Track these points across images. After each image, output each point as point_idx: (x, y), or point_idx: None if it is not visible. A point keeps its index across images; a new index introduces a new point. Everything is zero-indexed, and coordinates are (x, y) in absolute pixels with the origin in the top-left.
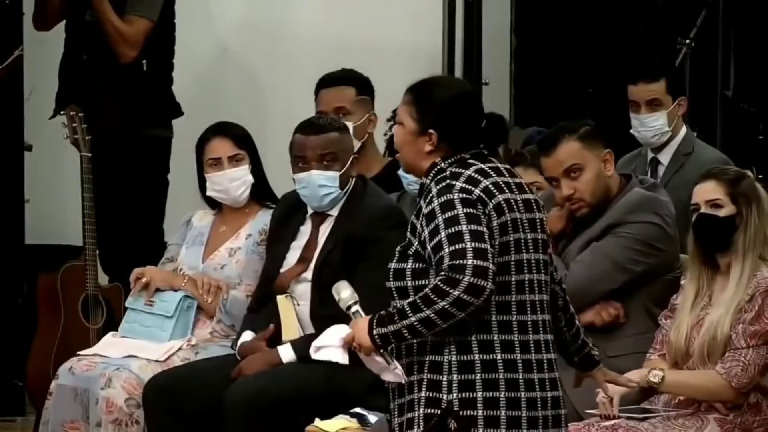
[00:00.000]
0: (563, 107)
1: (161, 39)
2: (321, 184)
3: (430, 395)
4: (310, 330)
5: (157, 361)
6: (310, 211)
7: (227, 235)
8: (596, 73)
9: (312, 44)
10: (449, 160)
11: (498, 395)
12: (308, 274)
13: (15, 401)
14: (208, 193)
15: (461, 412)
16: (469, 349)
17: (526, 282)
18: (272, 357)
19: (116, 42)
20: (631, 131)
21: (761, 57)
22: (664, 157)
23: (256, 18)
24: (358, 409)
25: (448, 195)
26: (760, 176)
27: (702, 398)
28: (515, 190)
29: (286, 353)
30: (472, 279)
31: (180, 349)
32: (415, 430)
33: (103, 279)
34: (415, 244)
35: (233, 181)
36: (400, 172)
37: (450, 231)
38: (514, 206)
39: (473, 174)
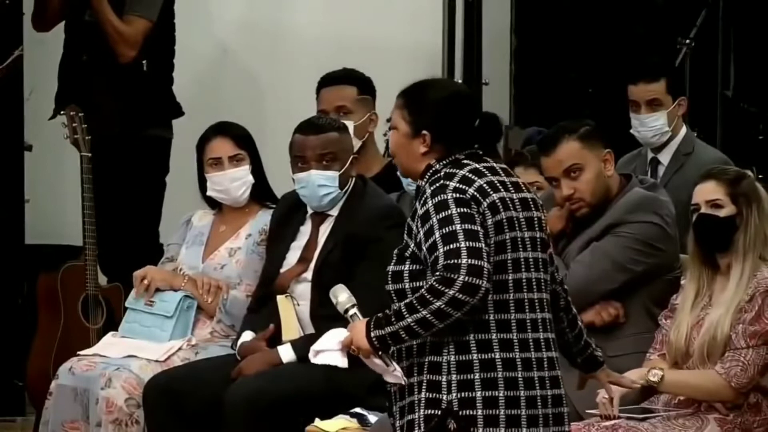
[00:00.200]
0: (563, 107)
1: (161, 39)
2: (320, 184)
3: (430, 396)
4: (310, 330)
5: (157, 361)
6: (310, 211)
7: (227, 235)
8: (596, 73)
9: (312, 44)
10: (444, 162)
11: (497, 394)
12: (308, 275)
13: (15, 401)
14: (209, 193)
15: (461, 412)
16: (468, 349)
17: (524, 280)
18: (272, 357)
19: (115, 42)
20: (631, 131)
21: (761, 57)
22: (664, 157)
23: (256, 18)
24: (358, 409)
25: (441, 195)
26: (760, 176)
27: (702, 398)
28: (511, 188)
29: (286, 353)
30: (466, 278)
31: (180, 349)
32: (416, 431)
33: (103, 279)
34: (412, 245)
35: (233, 181)
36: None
37: (444, 231)
38: (510, 205)
39: (467, 174)
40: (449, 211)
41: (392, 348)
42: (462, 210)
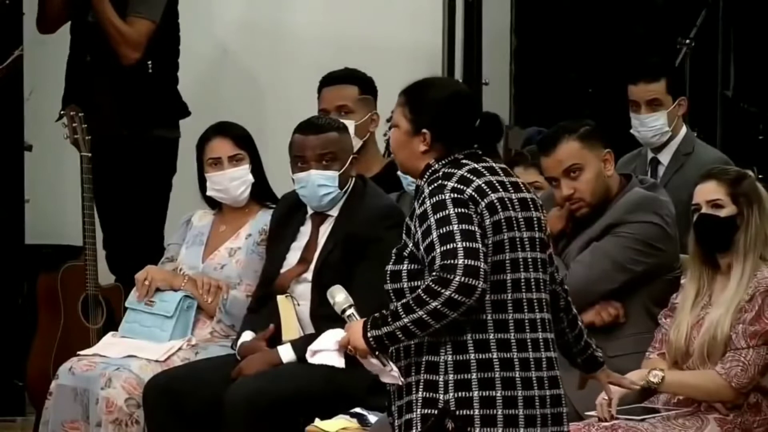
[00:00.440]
0: (563, 107)
1: (166, 39)
2: (320, 184)
3: (427, 396)
4: (310, 330)
5: (157, 361)
6: (310, 211)
7: (227, 234)
8: (596, 73)
9: (312, 44)
10: (443, 161)
11: (494, 394)
12: (308, 275)
13: (15, 401)
14: (209, 192)
15: (458, 412)
16: (465, 349)
17: (522, 280)
18: (272, 357)
19: (118, 43)
20: (631, 131)
21: (761, 57)
22: (664, 157)
23: (256, 18)
24: (358, 409)
25: (439, 195)
26: (760, 176)
27: (702, 398)
28: (510, 188)
29: (286, 353)
30: (463, 278)
31: (180, 349)
32: (414, 431)
33: (104, 279)
34: (410, 245)
35: (233, 181)
36: (400, 173)
37: (441, 231)
38: (509, 205)
39: (466, 174)
40: (447, 212)
41: (390, 348)
42: (459, 210)
